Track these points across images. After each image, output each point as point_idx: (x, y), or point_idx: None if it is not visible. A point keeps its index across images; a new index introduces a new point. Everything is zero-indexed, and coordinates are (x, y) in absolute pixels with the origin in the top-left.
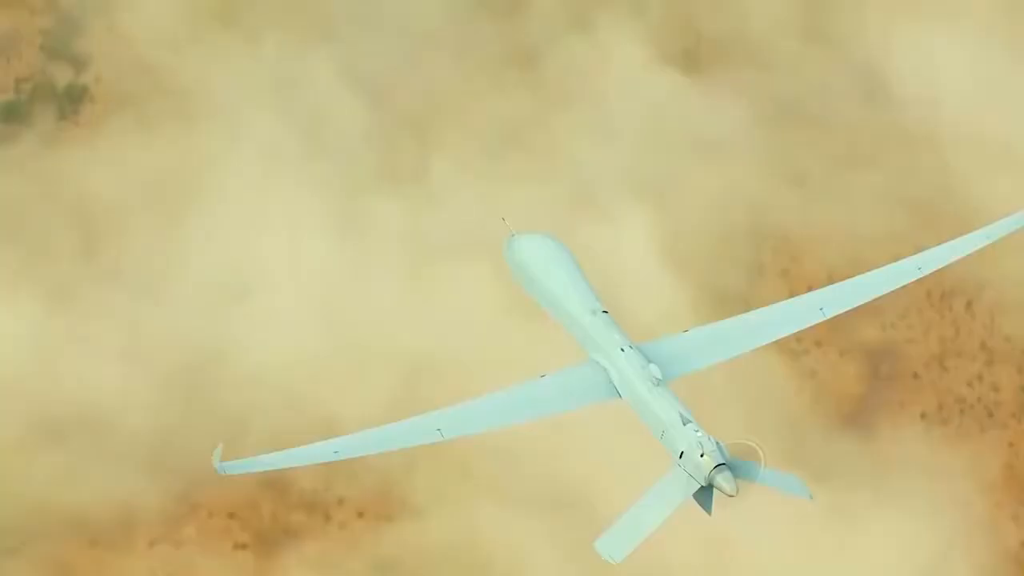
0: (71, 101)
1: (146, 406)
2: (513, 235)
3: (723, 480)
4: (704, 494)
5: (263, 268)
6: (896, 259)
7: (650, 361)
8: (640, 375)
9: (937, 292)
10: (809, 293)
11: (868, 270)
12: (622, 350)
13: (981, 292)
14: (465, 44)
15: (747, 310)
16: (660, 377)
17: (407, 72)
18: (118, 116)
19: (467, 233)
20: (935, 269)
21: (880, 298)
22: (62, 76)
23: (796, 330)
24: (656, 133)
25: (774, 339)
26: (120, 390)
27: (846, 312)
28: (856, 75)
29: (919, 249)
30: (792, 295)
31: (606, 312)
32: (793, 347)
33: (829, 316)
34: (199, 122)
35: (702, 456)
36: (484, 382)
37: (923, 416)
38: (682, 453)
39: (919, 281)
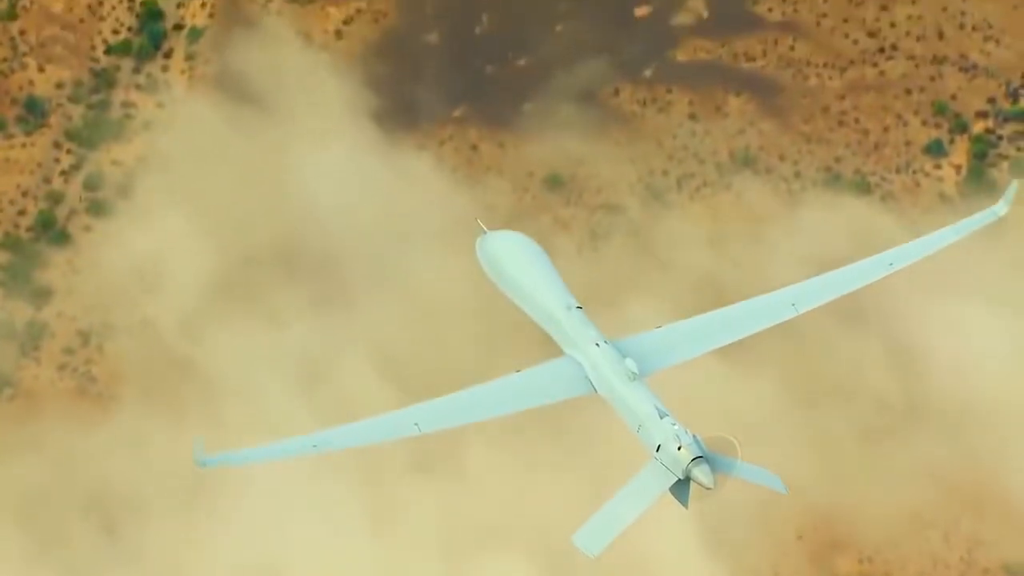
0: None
1: None
2: (486, 233)
3: (700, 473)
4: (681, 487)
5: (291, 560)
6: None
7: (626, 356)
8: (616, 370)
9: None
10: (781, 289)
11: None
12: (597, 345)
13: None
14: (488, 313)
15: None
16: (636, 372)
17: (432, 347)
18: (145, 400)
19: (502, 520)
20: (905, 265)
21: None
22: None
23: (769, 325)
24: (690, 413)
25: (748, 334)
26: None
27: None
28: (889, 350)
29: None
30: None
31: (580, 308)
32: None
33: (801, 312)
34: (224, 406)
35: (679, 449)
36: None
37: None
38: (659, 446)
39: None
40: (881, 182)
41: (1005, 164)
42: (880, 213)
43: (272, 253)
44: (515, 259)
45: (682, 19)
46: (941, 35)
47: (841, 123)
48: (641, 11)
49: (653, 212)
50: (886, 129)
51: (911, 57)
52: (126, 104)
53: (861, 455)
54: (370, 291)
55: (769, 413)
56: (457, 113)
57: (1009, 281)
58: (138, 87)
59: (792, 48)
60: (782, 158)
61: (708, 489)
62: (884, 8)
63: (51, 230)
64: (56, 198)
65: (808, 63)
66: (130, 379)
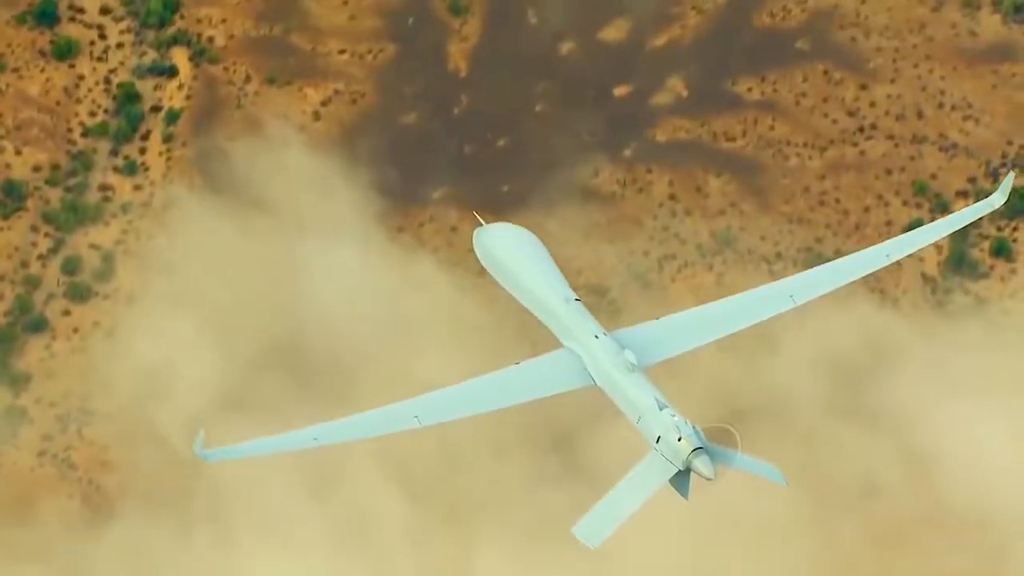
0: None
1: None
2: (483, 226)
3: (701, 464)
4: (680, 478)
5: None
6: None
7: (624, 347)
8: (615, 361)
9: None
10: (779, 280)
11: None
12: (596, 337)
13: None
14: (503, 432)
15: None
16: (635, 363)
17: (442, 451)
18: (154, 515)
19: None
20: (902, 256)
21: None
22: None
23: (768, 316)
24: (703, 520)
25: (747, 325)
26: None
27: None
28: (899, 453)
29: None
30: None
31: (579, 300)
32: None
33: (800, 303)
34: (234, 527)
35: (679, 440)
36: None
37: None
38: (659, 438)
39: None
40: None
41: (986, 244)
42: (862, 293)
43: (270, 345)
44: (512, 252)
45: (661, 99)
46: (920, 114)
47: (822, 203)
48: (620, 90)
49: (634, 293)
50: (867, 209)
51: (891, 136)
52: (104, 187)
53: (875, 561)
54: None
55: (781, 516)
56: (437, 194)
57: None
58: (115, 169)
59: (772, 128)
60: (763, 238)
61: (708, 480)
62: (863, 87)
63: (29, 315)
64: (34, 282)
65: (788, 143)
66: (134, 485)
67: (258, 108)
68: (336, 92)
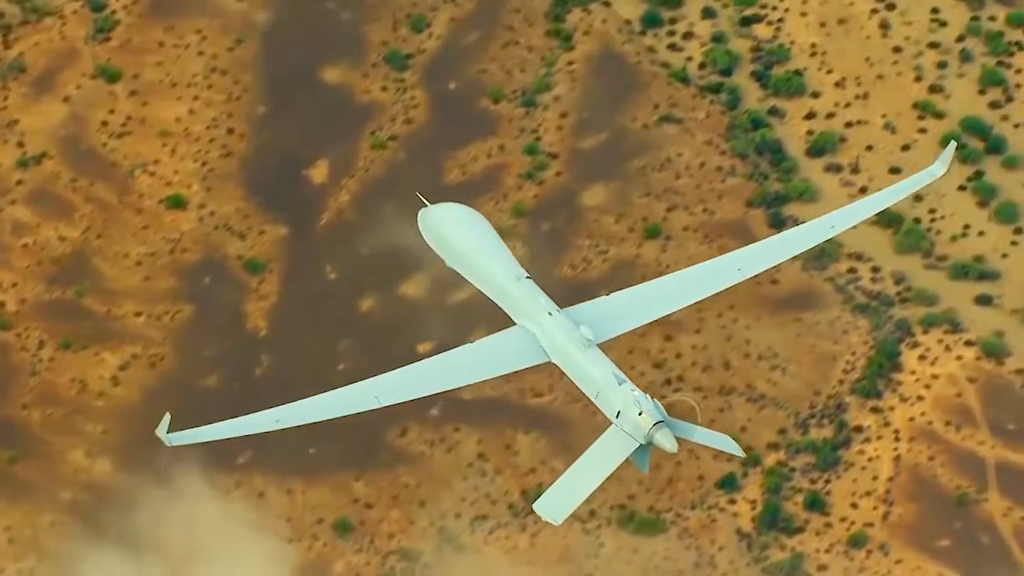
0: None
1: None
2: (428, 206)
3: (663, 437)
4: (640, 452)
5: None
6: None
7: (579, 324)
8: (571, 337)
9: None
10: (727, 254)
11: None
12: (550, 314)
13: None
14: None
15: None
16: (592, 339)
17: None
18: None
19: None
20: (848, 227)
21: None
22: None
23: (717, 290)
24: None
25: (697, 299)
26: None
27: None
28: None
29: None
30: None
31: (530, 277)
32: None
33: (748, 276)
34: None
35: (640, 415)
36: None
37: None
38: (619, 412)
39: None
40: (676, 519)
41: (800, 498)
42: (678, 551)
43: None
44: (460, 230)
45: None
46: (727, 365)
47: None
48: (424, 347)
49: (447, 557)
50: (678, 464)
51: (699, 388)
52: None
53: None
54: None
55: None
56: (242, 460)
57: None
58: None
59: None
60: None
61: (672, 453)
62: (668, 339)
63: None
64: None
65: None
66: None
67: (54, 374)
68: (134, 356)
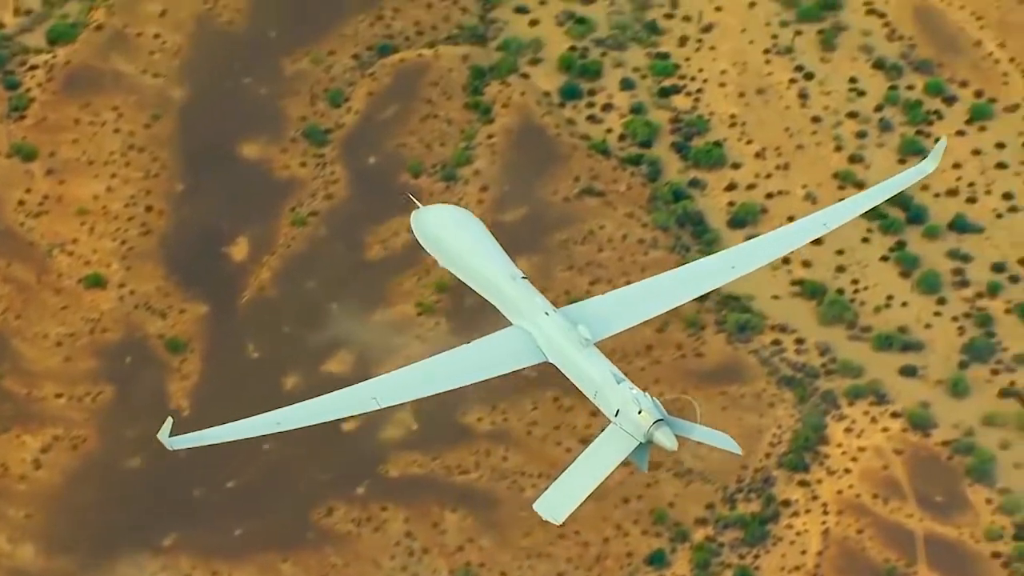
0: None
1: None
2: (420, 208)
3: (663, 436)
4: (640, 451)
5: None
6: None
7: (576, 323)
8: (568, 337)
9: None
10: (721, 252)
11: None
12: (546, 314)
13: None
14: None
15: None
16: (589, 338)
17: None
18: None
19: None
20: (840, 224)
21: None
22: None
23: (712, 287)
24: None
25: (692, 297)
26: None
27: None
28: None
29: None
30: None
31: (526, 278)
32: None
33: (741, 273)
34: None
35: (640, 413)
36: None
37: None
38: (618, 411)
39: None
40: None
41: (729, 573)
42: None
43: None
44: (455, 232)
45: (391, 432)
46: None
47: (561, 536)
48: (348, 425)
49: None
50: (606, 540)
51: (625, 464)
52: None
53: None
54: None
55: None
56: (167, 542)
57: None
58: None
59: (505, 459)
60: (503, 575)
61: (672, 451)
62: (594, 414)
63: None
64: None
65: (522, 473)
66: None
67: None
68: (56, 438)
